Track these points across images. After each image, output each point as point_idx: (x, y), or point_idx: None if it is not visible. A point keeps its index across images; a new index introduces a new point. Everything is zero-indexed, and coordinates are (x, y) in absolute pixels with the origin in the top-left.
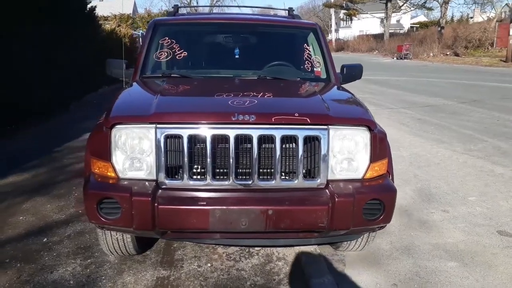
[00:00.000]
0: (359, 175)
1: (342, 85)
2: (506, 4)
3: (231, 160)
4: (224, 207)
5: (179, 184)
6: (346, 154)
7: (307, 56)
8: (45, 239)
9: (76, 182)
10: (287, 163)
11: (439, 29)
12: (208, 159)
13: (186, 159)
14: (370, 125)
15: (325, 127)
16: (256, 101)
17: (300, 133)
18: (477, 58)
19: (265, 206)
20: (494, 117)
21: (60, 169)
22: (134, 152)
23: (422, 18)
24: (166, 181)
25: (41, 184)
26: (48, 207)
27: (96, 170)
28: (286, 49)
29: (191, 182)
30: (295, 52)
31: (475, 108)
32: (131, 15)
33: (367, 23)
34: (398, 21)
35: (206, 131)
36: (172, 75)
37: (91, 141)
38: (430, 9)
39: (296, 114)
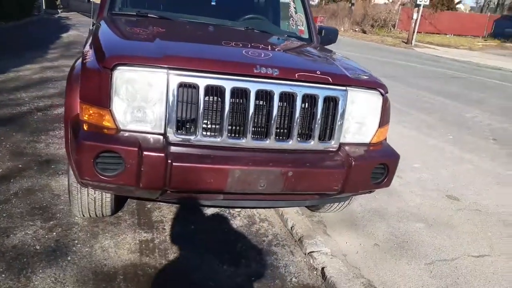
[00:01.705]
0: (367, 139)
1: None
2: None
3: (249, 117)
4: (245, 167)
5: (191, 141)
6: (359, 118)
7: (291, 13)
8: None
9: (2, 131)
10: (304, 124)
11: (350, 5)
12: (225, 115)
13: (201, 113)
14: (383, 89)
15: (344, 88)
16: (271, 54)
17: (321, 93)
18: (382, 37)
19: (286, 168)
20: (413, 93)
21: None
22: (140, 100)
23: None
24: (177, 137)
25: None
26: None
27: (86, 118)
28: (269, 2)
29: (205, 139)
30: (275, 6)
31: (396, 84)
32: None
33: None
34: None
35: (225, 82)
36: (149, 15)
37: (81, 83)
38: None
39: (318, 72)
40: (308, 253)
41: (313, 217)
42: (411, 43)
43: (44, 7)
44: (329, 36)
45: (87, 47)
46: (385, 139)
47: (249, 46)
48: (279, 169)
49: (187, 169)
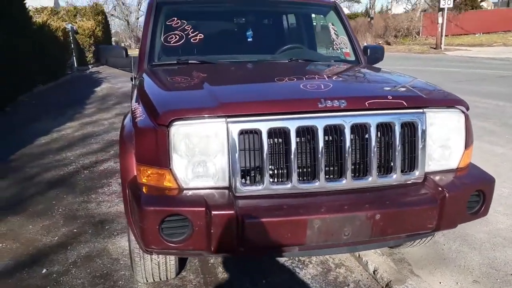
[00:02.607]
0: (454, 164)
1: None
2: None
3: (319, 157)
4: (325, 215)
5: (259, 190)
6: (442, 141)
7: (333, 37)
8: (44, 270)
9: (53, 195)
10: (382, 156)
11: (369, 19)
12: (292, 157)
13: (266, 159)
14: (463, 105)
15: (421, 110)
16: (331, 85)
17: (397, 119)
18: (408, 46)
19: (371, 211)
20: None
21: (25, 181)
22: (200, 154)
23: (345, 11)
24: (244, 188)
25: (9, 201)
26: (31, 229)
27: (145, 181)
28: (305, 28)
29: (273, 187)
30: (309, 31)
31: None
32: (55, 7)
33: None
34: None
35: (289, 122)
36: (189, 62)
37: (136, 144)
38: (358, 1)
39: (390, 97)
40: None
41: (393, 255)
42: (441, 48)
43: (76, 65)
44: (376, 54)
45: (135, 104)
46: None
47: (304, 79)
48: (364, 213)
49: (260, 225)
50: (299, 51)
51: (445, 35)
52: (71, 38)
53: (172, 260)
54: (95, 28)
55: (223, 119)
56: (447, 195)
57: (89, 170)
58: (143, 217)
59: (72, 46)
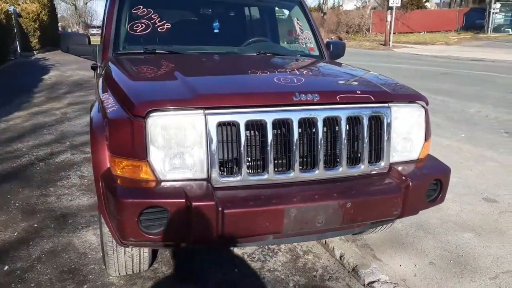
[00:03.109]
0: (415, 155)
1: None
2: None
3: (294, 148)
4: (301, 205)
5: (237, 182)
6: (405, 134)
7: (298, 32)
8: (6, 267)
9: (6, 189)
10: (352, 148)
11: (322, 14)
12: (269, 149)
13: (244, 151)
14: (424, 101)
15: (387, 105)
16: (303, 79)
17: (365, 113)
18: (359, 42)
19: (343, 199)
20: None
21: None
22: (178, 146)
23: None
24: (222, 179)
25: None
26: None
27: (120, 173)
28: (269, 22)
29: (251, 178)
30: (273, 25)
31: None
32: None
33: None
34: None
35: (266, 115)
36: (157, 51)
37: (109, 135)
38: None
39: (359, 92)
40: (368, 284)
41: (357, 241)
42: (389, 45)
43: (19, 51)
44: (338, 50)
45: (104, 94)
46: None
47: (276, 72)
48: (336, 201)
49: (240, 216)
50: (265, 44)
51: (393, 33)
52: (13, 21)
53: (145, 252)
54: (40, 12)
55: (201, 111)
56: (410, 184)
57: (44, 162)
58: (121, 210)
59: (15, 30)
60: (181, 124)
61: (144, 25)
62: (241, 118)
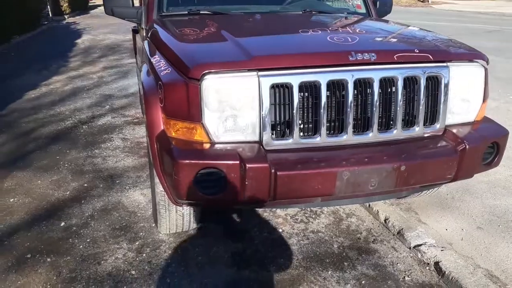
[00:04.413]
0: (472, 117)
1: None
2: None
3: (347, 110)
4: (355, 168)
5: (289, 144)
6: (463, 95)
7: None
8: (62, 224)
9: (55, 150)
10: (407, 110)
11: None
12: (322, 111)
13: (296, 113)
14: (485, 60)
15: (445, 64)
16: (358, 38)
17: (423, 72)
18: None
19: (397, 162)
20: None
21: (23, 137)
22: (232, 108)
23: None
24: (274, 142)
25: (11, 156)
26: (40, 184)
27: (175, 135)
28: None
29: (303, 141)
30: None
31: None
32: None
33: None
34: None
35: (320, 76)
36: (200, 12)
37: (164, 98)
38: None
39: (416, 51)
40: (414, 247)
41: (401, 205)
42: (428, 1)
43: (51, 15)
44: (385, 7)
45: (155, 56)
46: None
47: (328, 31)
48: (391, 165)
49: (292, 178)
50: (310, 1)
51: None
52: None
53: (195, 212)
54: None
55: (255, 73)
56: (467, 147)
57: (87, 125)
58: (178, 170)
59: None
60: (235, 86)
61: None
62: (295, 79)
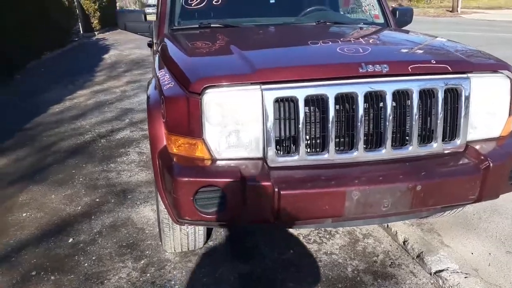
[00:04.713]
0: (496, 132)
1: None
2: None
3: (358, 125)
4: (366, 187)
5: (294, 161)
6: (486, 108)
7: None
8: (70, 240)
9: (72, 164)
10: (423, 125)
11: None
12: (330, 126)
13: (302, 128)
14: (510, 70)
15: (466, 75)
16: (370, 48)
17: (441, 85)
18: (423, 9)
19: (412, 181)
20: None
21: (43, 150)
22: (234, 123)
23: None
24: (278, 158)
25: (29, 170)
26: (53, 198)
27: (176, 151)
28: None
29: (310, 157)
30: None
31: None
32: None
33: None
34: None
35: (328, 89)
36: (212, 25)
37: (166, 113)
38: None
39: (433, 61)
40: (435, 273)
41: (422, 226)
42: (457, 11)
43: (82, 32)
44: (405, 17)
45: (161, 71)
46: None
47: (339, 42)
48: (405, 184)
49: (298, 197)
50: (325, 13)
51: None
52: (75, 3)
53: (200, 230)
54: None
55: (258, 86)
56: (491, 164)
57: (105, 139)
58: (177, 188)
59: (77, 11)
60: (237, 100)
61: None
62: (300, 93)
